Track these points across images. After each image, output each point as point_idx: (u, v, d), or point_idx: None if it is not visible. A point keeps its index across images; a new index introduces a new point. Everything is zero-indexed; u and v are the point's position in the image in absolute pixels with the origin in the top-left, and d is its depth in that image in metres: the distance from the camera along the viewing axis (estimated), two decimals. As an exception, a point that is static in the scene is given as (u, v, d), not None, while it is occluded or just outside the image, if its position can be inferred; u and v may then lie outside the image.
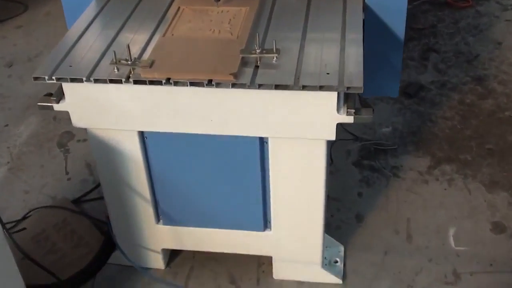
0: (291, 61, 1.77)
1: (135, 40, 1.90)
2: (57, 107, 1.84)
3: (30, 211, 2.43)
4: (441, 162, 2.63)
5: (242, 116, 1.79)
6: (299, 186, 1.94)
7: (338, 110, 1.74)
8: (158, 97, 1.78)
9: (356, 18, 1.93)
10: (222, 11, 1.99)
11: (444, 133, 2.76)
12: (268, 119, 1.79)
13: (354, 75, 1.70)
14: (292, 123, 1.78)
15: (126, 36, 1.92)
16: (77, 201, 2.50)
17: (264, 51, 1.77)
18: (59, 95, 1.84)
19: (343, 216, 2.39)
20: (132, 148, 1.94)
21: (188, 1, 2.06)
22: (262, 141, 1.89)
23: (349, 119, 1.76)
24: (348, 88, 1.68)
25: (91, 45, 1.90)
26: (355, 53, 1.79)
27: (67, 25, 2.18)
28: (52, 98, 1.84)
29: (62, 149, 2.80)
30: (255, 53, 1.76)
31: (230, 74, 1.70)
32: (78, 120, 1.87)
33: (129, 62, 1.75)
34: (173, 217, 2.09)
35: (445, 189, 2.50)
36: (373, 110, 1.78)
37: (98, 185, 2.48)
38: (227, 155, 1.92)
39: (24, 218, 2.42)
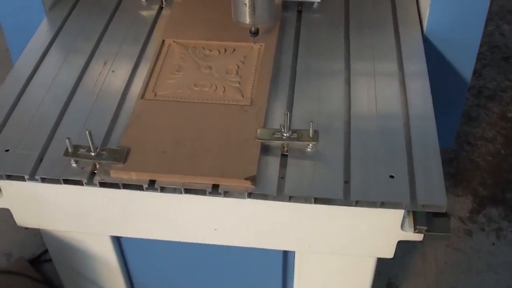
0: (334, 148, 1.16)
1: (99, 105, 1.23)
2: (-10, 202, 1.20)
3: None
4: (486, 204, 2.05)
5: (261, 228, 1.17)
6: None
7: (402, 225, 1.12)
8: (137, 202, 1.15)
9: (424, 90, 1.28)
10: (225, 50, 1.33)
11: (486, 162, 2.17)
12: (299, 233, 1.17)
13: (432, 185, 1.09)
14: (334, 239, 1.17)
15: (87, 98, 1.26)
16: (36, 261, 1.87)
17: (295, 135, 1.13)
18: (-9, 189, 1.19)
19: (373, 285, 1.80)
20: (104, 251, 1.32)
21: (176, 29, 1.39)
22: (286, 252, 1.27)
23: (417, 237, 1.14)
24: (424, 206, 1.06)
25: (37, 109, 1.24)
26: (433, 147, 1.15)
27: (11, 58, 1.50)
28: (-20, 192, 1.19)
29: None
30: (282, 138, 1.13)
31: (246, 178, 1.06)
32: (23, 221, 1.24)
33: (92, 154, 1.10)
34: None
35: (493, 244, 1.93)
36: (449, 219, 1.16)
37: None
38: (236, 265, 1.31)
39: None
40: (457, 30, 1.41)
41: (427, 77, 1.30)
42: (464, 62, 1.47)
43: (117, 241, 1.32)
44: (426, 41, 1.42)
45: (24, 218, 1.23)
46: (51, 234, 1.31)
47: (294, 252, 1.27)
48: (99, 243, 1.31)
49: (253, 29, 1.30)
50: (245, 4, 1.24)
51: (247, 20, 1.27)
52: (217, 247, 1.22)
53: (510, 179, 2.12)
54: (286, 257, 1.31)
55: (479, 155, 2.20)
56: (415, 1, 1.51)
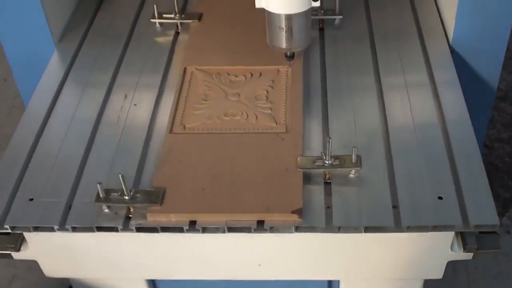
0: (377, 171, 1.10)
1: (125, 143, 1.16)
2: (18, 255, 1.12)
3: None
4: (509, 206, 1.99)
5: (307, 259, 1.10)
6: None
7: (452, 246, 1.06)
8: (177, 244, 1.08)
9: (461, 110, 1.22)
10: (251, 75, 1.26)
11: (504, 163, 2.11)
12: (345, 261, 1.11)
13: (481, 203, 1.06)
14: (382, 265, 1.11)
15: (111, 136, 1.18)
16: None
17: (337, 162, 1.06)
18: (19, 241, 1.10)
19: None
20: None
21: (196, 55, 1.32)
22: (331, 281, 1.20)
23: (467, 256, 1.08)
24: (476, 227, 1.00)
25: (59, 151, 1.16)
26: (476, 161, 1.11)
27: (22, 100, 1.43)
28: (8, 245, 1.10)
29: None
30: (324, 165, 1.06)
31: (293, 212, 0.99)
32: (52, 271, 1.16)
33: (126, 198, 1.03)
34: None
35: (521, 248, 1.87)
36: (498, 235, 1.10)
37: None
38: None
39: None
40: (483, 39, 1.36)
41: (459, 86, 1.26)
42: (491, 71, 1.42)
43: (153, 284, 1.25)
44: (452, 51, 1.36)
45: (54, 268, 1.15)
46: (82, 281, 1.24)
47: (339, 280, 1.20)
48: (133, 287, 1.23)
49: (289, 53, 1.23)
50: (282, 28, 1.17)
51: (284, 44, 1.19)
52: (259, 281, 1.15)
53: (532, 180, 2.07)
54: (331, 286, 1.24)
55: (497, 157, 2.14)
56: (437, 11, 1.45)
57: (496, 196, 2.02)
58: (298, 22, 1.16)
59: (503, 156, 2.14)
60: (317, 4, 1.14)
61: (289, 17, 1.15)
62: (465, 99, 1.24)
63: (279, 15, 1.15)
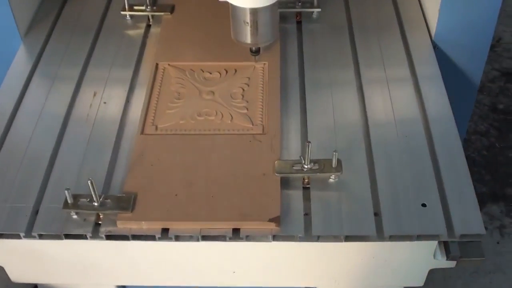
0: (358, 175, 1.05)
1: (94, 145, 1.09)
2: (-22, 261, 1.06)
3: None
4: (486, 201, 1.97)
5: (284, 267, 1.05)
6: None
7: (434, 254, 1.02)
8: (148, 252, 1.02)
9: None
10: (226, 72, 1.20)
11: (482, 156, 2.09)
12: (325, 270, 1.06)
13: (467, 210, 1.01)
14: (362, 273, 1.06)
15: (79, 137, 1.11)
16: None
17: (317, 166, 1.01)
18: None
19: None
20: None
21: (169, 50, 1.25)
22: (309, 287, 1.16)
23: (450, 264, 1.04)
24: (461, 236, 0.96)
25: (25, 152, 1.10)
26: (460, 163, 1.08)
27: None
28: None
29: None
30: (303, 170, 1.01)
31: (270, 220, 0.94)
32: (19, 277, 1.10)
33: (96, 204, 0.97)
34: None
35: (497, 243, 1.85)
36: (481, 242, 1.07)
37: None
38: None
39: None
40: (467, 34, 1.31)
41: (442, 81, 1.22)
42: (474, 66, 1.38)
43: (124, 290, 1.19)
44: (435, 46, 1.31)
45: (20, 274, 1.09)
46: (50, 287, 1.17)
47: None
48: (104, 292, 1.18)
49: (254, 48, 1.17)
50: (247, 22, 1.11)
51: (249, 39, 1.14)
52: (233, 288, 1.11)
53: (509, 173, 2.04)
54: (308, 292, 1.19)
55: (474, 150, 2.11)
56: (419, 4, 1.40)
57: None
58: (263, 17, 1.11)
59: (481, 149, 2.11)
60: None
61: (254, 11, 1.09)
62: (447, 93, 1.20)
63: (243, 8, 1.09)
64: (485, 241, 1.77)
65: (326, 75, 1.24)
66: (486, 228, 1.82)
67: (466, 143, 2.11)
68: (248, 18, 1.10)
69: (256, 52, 1.18)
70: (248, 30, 1.12)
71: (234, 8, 1.10)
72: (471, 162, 2.06)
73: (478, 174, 2.04)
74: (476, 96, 2.13)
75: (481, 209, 1.86)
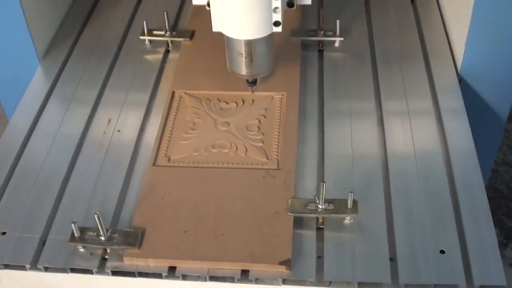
0: (375, 215, 1.02)
1: (105, 175, 1.08)
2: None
3: None
4: (513, 236, 1.90)
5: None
6: None
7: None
8: (155, 289, 0.99)
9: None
10: (243, 102, 1.18)
11: (510, 189, 2.02)
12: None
13: (487, 259, 0.97)
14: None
15: (90, 168, 1.10)
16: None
17: (332, 207, 0.98)
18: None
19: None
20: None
21: (186, 77, 1.23)
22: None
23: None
24: (481, 287, 0.92)
25: (35, 182, 1.09)
26: (483, 209, 1.03)
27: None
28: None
29: None
30: (317, 210, 0.98)
31: (281, 263, 0.91)
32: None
33: (102, 238, 0.95)
34: None
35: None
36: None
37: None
38: None
39: None
40: (494, 67, 1.28)
41: (466, 115, 1.19)
42: (502, 98, 1.35)
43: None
44: (460, 79, 1.28)
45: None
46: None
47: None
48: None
49: (250, 79, 1.16)
50: (241, 54, 1.09)
51: (243, 71, 1.12)
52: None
53: (538, 207, 1.98)
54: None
55: (502, 182, 2.06)
56: (445, 34, 1.37)
57: (500, 225, 1.94)
58: (258, 48, 1.09)
59: (509, 181, 2.05)
60: (279, 30, 1.06)
61: (248, 43, 1.07)
62: (473, 129, 1.17)
63: (238, 40, 1.07)
64: (511, 279, 1.73)
65: (346, 105, 1.21)
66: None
67: (494, 174, 2.06)
68: (242, 50, 1.09)
69: (252, 83, 1.17)
70: (243, 61, 1.11)
71: (228, 39, 1.09)
72: (499, 195, 2.01)
73: (506, 207, 1.98)
74: (505, 125, 2.08)
75: (508, 245, 1.82)
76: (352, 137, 1.15)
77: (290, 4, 1.10)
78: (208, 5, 1.07)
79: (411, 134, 1.15)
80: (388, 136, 1.15)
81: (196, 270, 0.94)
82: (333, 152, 1.12)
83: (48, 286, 1.02)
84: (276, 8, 1.04)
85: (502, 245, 1.89)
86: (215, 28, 1.08)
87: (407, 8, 1.45)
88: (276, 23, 1.06)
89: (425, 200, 1.03)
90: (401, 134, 1.16)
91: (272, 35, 1.09)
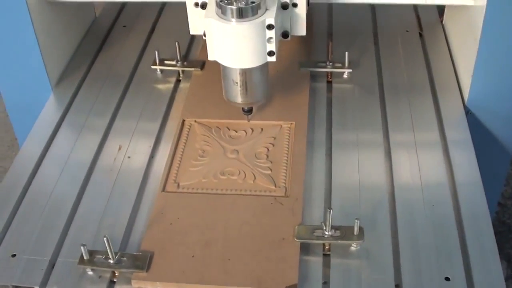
0: (381, 243, 1.04)
1: (115, 200, 1.11)
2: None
3: None
4: (521, 270, 1.91)
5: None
6: None
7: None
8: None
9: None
10: (252, 131, 1.21)
11: (518, 224, 2.03)
12: None
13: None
14: None
15: (100, 192, 1.13)
16: None
17: (338, 233, 1.00)
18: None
19: None
20: None
21: (196, 106, 1.27)
22: None
23: None
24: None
25: (46, 204, 1.12)
26: (488, 237, 1.05)
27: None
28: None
29: None
30: (324, 237, 1.00)
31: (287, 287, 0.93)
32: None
33: (111, 261, 0.97)
34: None
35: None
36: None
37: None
38: None
39: None
40: (501, 100, 1.31)
41: (472, 147, 1.21)
42: (508, 132, 1.36)
43: None
44: (467, 111, 1.30)
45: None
46: None
47: None
48: None
49: (246, 108, 1.19)
50: (236, 83, 1.12)
51: (239, 99, 1.16)
52: None
53: (547, 242, 1.99)
54: None
55: (510, 216, 2.07)
56: (452, 67, 1.39)
57: (508, 259, 1.94)
58: (253, 77, 1.13)
59: (517, 216, 2.07)
60: (273, 59, 1.10)
61: (243, 72, 1.11)
62: (480, 161, 1.18)
63: (233, 69, 1.11)
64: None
65: (354, 136, 1.24)
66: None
67: (502, 208, 2.07)
68: (237, 78, 1.12)
69: (248, 111, 1.20)
70: (238, 90, 1.14)
71: (224, 68, 1.13)
72: (507, 229, 2.02)
73: (514, 241, 1.99)
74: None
75: (514, 280, 1.83)
76: (360, 167, 1.17)
77: (284, 35, 1.14)
78: (205, 35, 1.10)
79: (418, 165, 1.17)
80: (395, 167, 1.17)
81: (203, 294, 0.96)
82: (341, 181, 1.14)
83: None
84: (271, 38, 1.07)
85: (510, 279, 1.89)
86: (210, 57, 1.11)
87: (415, 41, 1.49)
88: (270, 53, 1.09)
89: (431, 229, 1.05)
90: (407, 165, 1.17)
91: (267, 64, 1.12)
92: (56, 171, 1.19)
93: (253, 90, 1.14)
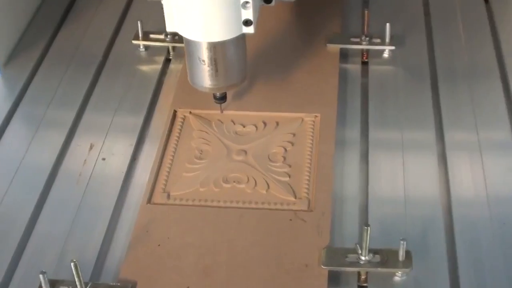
0: (436, 276, 1.04)
1: (85, 214, 1.14)
2: None
3: None
4: None
5: None
6: None
7: None
8: None
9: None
10: (265, 125, 1.23)
11: None
12: None
13: None
14: None
15: (67, 202, 1.17)
16: None
17: (378, 258, 1.03)
18: None
19: None
20: None
21: (192, 94, 1.29)
22: None
23: None
24: None
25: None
26: None
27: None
28: None
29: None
30: (359, 263, 1.02)
31: (312, 329, 0.96)
32: None
33: (84, 291, 1.00)
34: None
35: None
36: None
37: None
38: None
39: None
40: None
41: None
42: None
43: None
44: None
45: None
46: None
47: None
48: None
49: (218, 94, 1.21)
50: (203, 61, 1.14)
51: (207, 82, 1.17)
52: None
53: None
54: None
55: None
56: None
57: None
58: (225, 53, 1.14)
59: None
60: (250, 30, 1.11)
61: (212, 47, 1.12)
62: None
63: (198, 43, 1.12)
64: None
65: (397, 134, 1.27)
66: None
67: None
68: (204, 55, 1.14)
69: (221, 99, 1.23)
70: (205, 70, 1.15)
71: (187, 42, 1.13)
72: None
73: None
74: None
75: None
76: (405, 174, 1.19)
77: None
78: None
79: (483, 172, 1.20)
80: (452, 174, 1.19)
81: (200, 337, 0.98)
82: (380, 192, 1.17)
83: None
84: (246, 2, 1.08)
85: None
86: (169, 28, 1.12)
87: (479, 9, 1.51)
88: (247, 22, 1.10)
89: (501, 254, 1.07)
90: (469, 173, 1.20)
91: (244, 37, 1.14)
92: (5, 177, 1.21)
93: (225, 71, 1.16)
